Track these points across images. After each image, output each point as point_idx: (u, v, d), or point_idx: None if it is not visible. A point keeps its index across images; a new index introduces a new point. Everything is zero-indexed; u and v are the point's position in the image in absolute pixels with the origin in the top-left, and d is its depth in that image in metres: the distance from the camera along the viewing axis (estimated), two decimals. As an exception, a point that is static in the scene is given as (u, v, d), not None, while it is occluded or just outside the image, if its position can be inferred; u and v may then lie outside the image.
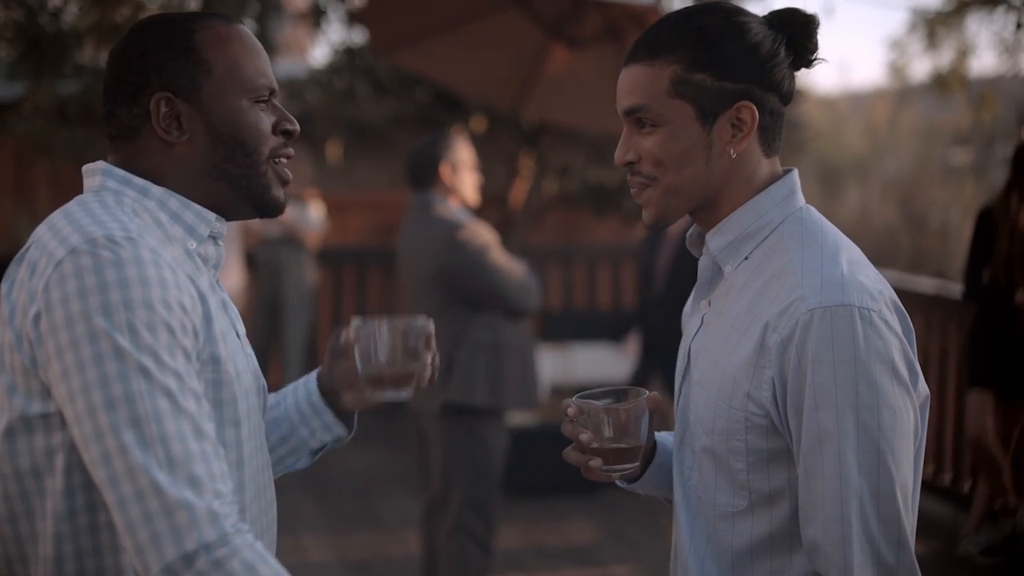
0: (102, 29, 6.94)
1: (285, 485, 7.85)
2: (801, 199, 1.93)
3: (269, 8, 8.37)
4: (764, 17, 1.90)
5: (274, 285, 8.73)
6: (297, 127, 1.93)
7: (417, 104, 9.90)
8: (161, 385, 1.64)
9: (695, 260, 2.02)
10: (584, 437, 1.90)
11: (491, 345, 4.67)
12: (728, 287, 1.92)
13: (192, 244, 1.85)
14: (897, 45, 10.80)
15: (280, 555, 6.56)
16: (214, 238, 1.89)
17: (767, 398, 1.79)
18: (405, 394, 1.99)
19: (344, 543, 6.24)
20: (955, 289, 7.02)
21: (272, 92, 1.90)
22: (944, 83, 9.90)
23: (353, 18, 9.23)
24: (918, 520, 1.80)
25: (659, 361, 6.67)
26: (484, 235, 4.69)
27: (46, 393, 1.70)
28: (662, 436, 2.15)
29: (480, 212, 5.64)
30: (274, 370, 8.98)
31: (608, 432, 1.90)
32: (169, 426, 1.63)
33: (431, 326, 1.99)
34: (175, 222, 1.83)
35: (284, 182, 1.94)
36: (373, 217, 10.32)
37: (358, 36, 9.67)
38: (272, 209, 1.94)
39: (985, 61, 43.01)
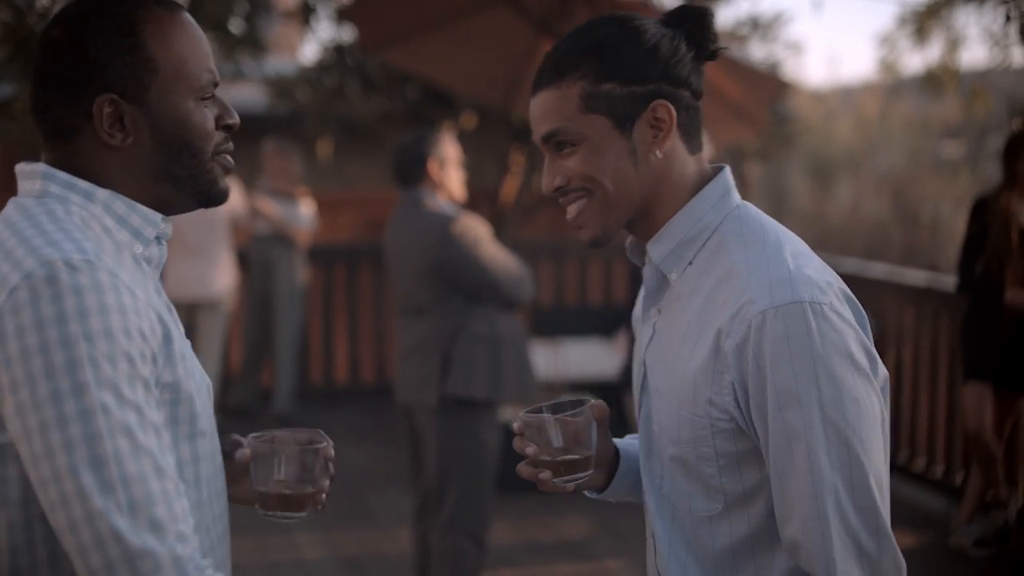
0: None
1: (278, 483, 7.77)
2: (737, 197, 1.92)
3: (258, 6, 8.36)
4: (659, 18, 1.90)
5: (265, 283, 8.72)
6: (237, 120, 1.83)
7: (407, 101, 9.90)
8: (121, 423, 1.56)
9: None
10: (530, 450, 1.90)
11: (489, 337, 4.67)
12: (676, 294, 1.91)
13: (139, 248, 1.76)
14: (887, 41, 10.80)
15: (273, 553, 6.48)
16: (158, 238, 1.81)
17: (729, 402, 1.79)
18: (298, 517, 1.92)
19: (337, 540, 6.23)
20: (946, 282, 7.03)
21: (216, 85, 1.81)
22: (936, 80, 9.91)
23: (342, 16, 9.21)
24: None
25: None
26: (477, 228, 4.69)
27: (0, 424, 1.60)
28: (624, 442, 2.14)
29: (471, 208, 5.64)
30: (266, 368, 8.98)
31: (557, 444, 1.90)
32: (130, 467, 1.56)
33: (330, 448, 1.92)
34: (121, 226, 1.74)
35: (228, 171, 1.85)
36: (364, 214, 10.32)
37: (347, 34, 9.67)
38: (217, 201, 1.85)
39: (975, 54, 43.09)
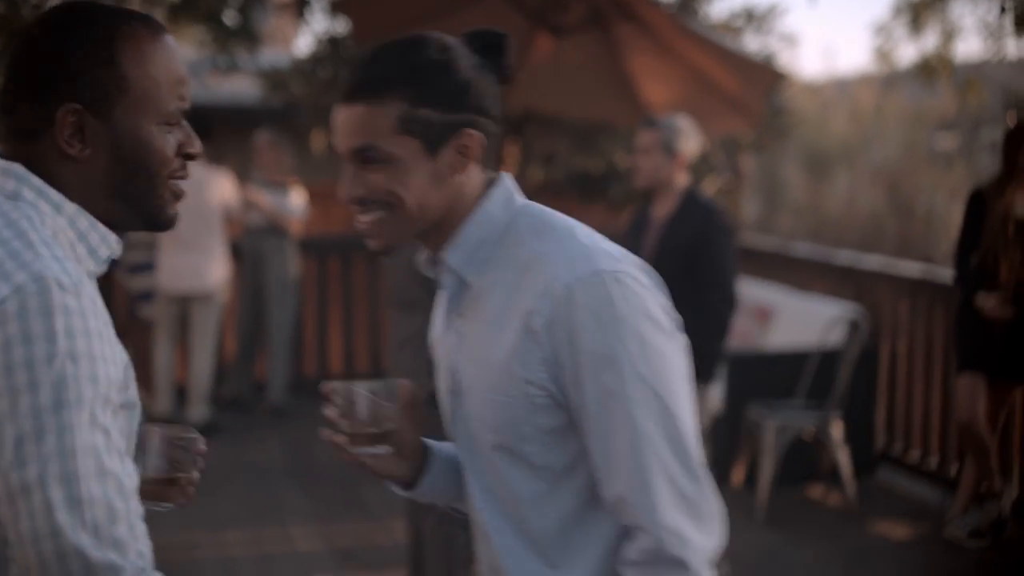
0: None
1: (272, 475, 7.74)
2: (521, 197, 2.02)
3: (252, -2, 8.36)
4: (463, 40, 1.97)
5: (257, 275, 8.71)
6: (199, 150, 1.84)
7: (402, 93, 9.89)
8: (91, 444, 1.57)
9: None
10: (329, 412, 2.00)
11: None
12: (477, 294, 1.99)
13: (92, 266, 1.75)
14: (882, 30, 10.81)
15: (267, 545, 6.45)
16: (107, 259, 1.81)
17: (545, 378, 1.88)
18: (163, 507, 1.93)
19: (331, 532, 6.23)
20: (941, 273, 7.04)
21: (185, 113, 1.81)
22: (931, 70, 9.91)
23: (336, 8, 9.21)
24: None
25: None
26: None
27: None
28: (440, 445, 2.21)
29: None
30: (260, 360, 8.97)
31: (360, 414, 2.00)
32: (95, 488, 1.57)
33: (201, 444, 1.96)
34: (80, 242, 1.74)
35: (178, 198, 1.85)
36: (359, 207, 10.27)
37: (342, 26, 9.66)
38: (163, 226, 1.85)
39: (970, 46, 43.13)
